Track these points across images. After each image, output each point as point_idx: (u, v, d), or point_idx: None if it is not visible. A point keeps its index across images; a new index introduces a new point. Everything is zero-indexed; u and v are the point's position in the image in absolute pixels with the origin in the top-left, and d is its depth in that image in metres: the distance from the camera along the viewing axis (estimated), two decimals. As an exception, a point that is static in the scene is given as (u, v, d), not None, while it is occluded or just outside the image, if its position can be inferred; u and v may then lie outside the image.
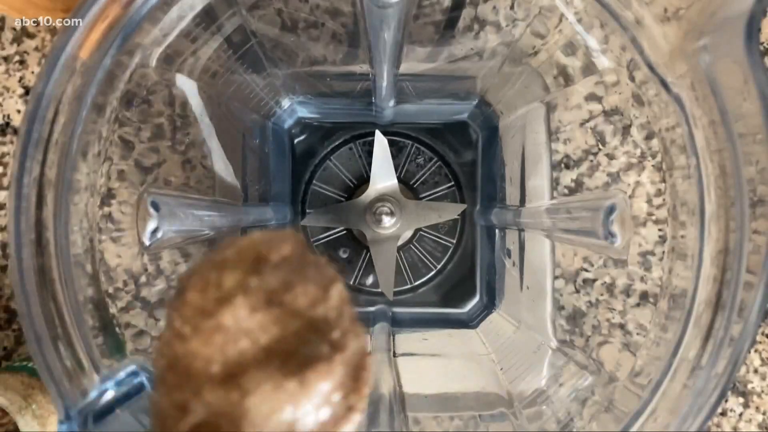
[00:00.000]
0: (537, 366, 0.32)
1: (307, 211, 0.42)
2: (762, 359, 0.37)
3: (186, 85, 0.29)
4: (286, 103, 0.39)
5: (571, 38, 0.28)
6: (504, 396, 0.31)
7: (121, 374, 0.22)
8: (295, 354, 0.12)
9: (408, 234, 0.42)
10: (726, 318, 0.20)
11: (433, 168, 0.42)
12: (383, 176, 0.40)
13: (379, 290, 0.41)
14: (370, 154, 0.41)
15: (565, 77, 0.31)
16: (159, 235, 0.25)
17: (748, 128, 0.19)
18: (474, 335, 0.39)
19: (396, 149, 0.42)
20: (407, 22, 0.28)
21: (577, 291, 0.33)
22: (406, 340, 0.38)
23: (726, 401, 0.37)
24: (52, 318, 0.21)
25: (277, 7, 0.31)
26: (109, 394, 0.21)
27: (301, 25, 0.32)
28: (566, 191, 0.34)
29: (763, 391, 0.37)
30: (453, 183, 0.42)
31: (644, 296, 0.30)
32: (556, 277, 0.33)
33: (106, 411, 0.21)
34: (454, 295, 0.42)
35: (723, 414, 0.37)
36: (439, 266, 0.42)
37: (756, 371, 0.37)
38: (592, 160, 0.33)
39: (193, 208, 0.29)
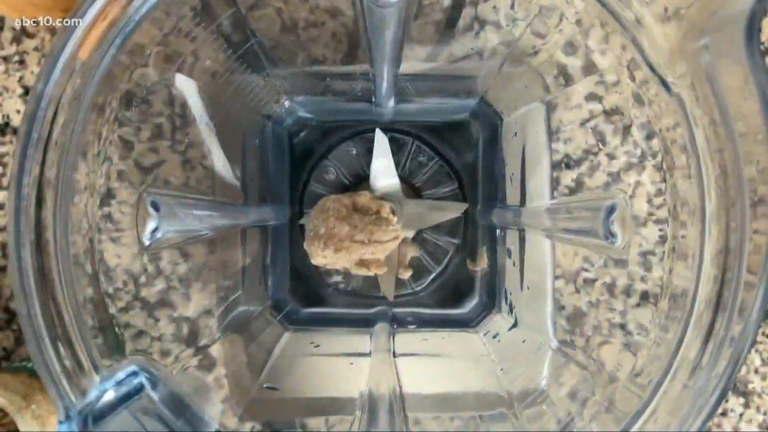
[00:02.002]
0: (537, 366, 0.32)
1: (306, 211, 0.42)
2: (762, 359, 0.37)
3: (185, 85, 0.29)
4: (285, 102, 0.39)
5: (571, 38, 0.28)
6: (504, 396, 0.31)
7: (121, 374, 0.22)
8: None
9: (409, 234, 0.42)
10: (726, 318, 0.20)
11: (434, 167, 0.42)
12: (384, 175, 0.40)
13: (380, 292, 0.41)
14: (370, 153, 0.41)
15: (566, 77, 0.31)
16: (159, 235, 0.25)
17: (748, 128, 0.19)
18: (474, 335, 0.39)
19: (396, 147, 0.42)
20: (407, 22, 0.28)
21: (578, 291, 0.32)
22: (407, 340, 0.38)
23: (726, 401, 0.37)
24: (51, 318, 0.21)
25: (277, 6, 0.31)
26: (109, 395, 0.21)
27: (301, 25, 0.32)
28: (566, 191, 0.34)
29: (763, 392, 0.37)
30: (455, 182, 0.42)
31: (645, 296, 0.30)
32: (556, 277, 0.33)
33: (106, 411, 0.21)
34: (455, 295, 0.42)
35: (723, 414, 0.37)
36: (440, 267, 0.42)
37: (756, 371, 0.37)
38: (592, 160, 0.33)
39: (193, 208, 0.29)
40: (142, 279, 0.29)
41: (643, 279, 0.30)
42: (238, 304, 0.35)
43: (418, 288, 0.42)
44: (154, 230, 0.25)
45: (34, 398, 0.32)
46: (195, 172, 0.31)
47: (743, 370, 0.37)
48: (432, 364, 0.36)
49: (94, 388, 0.21)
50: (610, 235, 0.25)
